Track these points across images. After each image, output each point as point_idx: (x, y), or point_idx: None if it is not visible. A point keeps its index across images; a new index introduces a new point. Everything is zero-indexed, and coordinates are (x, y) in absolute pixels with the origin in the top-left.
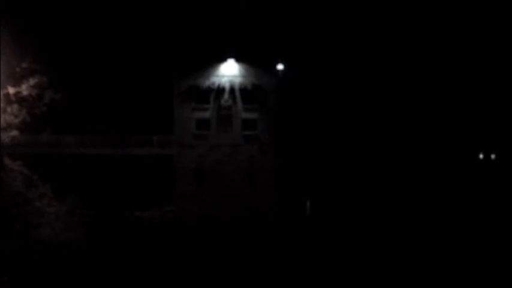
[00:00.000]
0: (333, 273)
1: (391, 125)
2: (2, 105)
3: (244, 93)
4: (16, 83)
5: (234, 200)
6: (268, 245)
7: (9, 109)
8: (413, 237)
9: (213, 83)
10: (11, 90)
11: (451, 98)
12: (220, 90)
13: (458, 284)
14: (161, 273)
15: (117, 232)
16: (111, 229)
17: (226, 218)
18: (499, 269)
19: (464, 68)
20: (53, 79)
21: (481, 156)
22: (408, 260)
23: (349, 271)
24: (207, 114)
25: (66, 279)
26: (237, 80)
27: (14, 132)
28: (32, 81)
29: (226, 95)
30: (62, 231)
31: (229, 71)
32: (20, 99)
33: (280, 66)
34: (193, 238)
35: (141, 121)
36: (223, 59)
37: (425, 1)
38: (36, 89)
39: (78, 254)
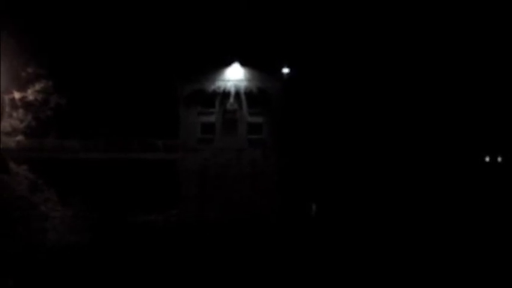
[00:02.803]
0: (337, 275)
1: (396, 127)
2: (7, 110)
3: (250, 97)
4: (21, 88)
5: (238, 203)
6: (272, 247)
7: (14, 114)
8: (419, 240)
9: (219, 87)
10: (17, 95)
11: (457, 100)
12: (225, 94)
13: (462, 284)
14: (165, 276)
15: (121, 236)
16: (115, 233)
17: (230, 221)
18: (502, 270)
19: (471, 69)
20: (58, 84)
21: (487, 158)
22: (414, 262)
23: (354, 272)
24: (212, 119)
25: (70, 282)
26: (242, 84)
27: (19, 137)
28: (37, 86)
29: (231, 99)
30: (66, 234)
31: (234, 75)
32: (25, 104)
33: (285, 70)
34: (197, 241)
35: (147, 125)
36: (228, 63)
37: (426, 2)
38: (41, 93)
39: (82, 258)
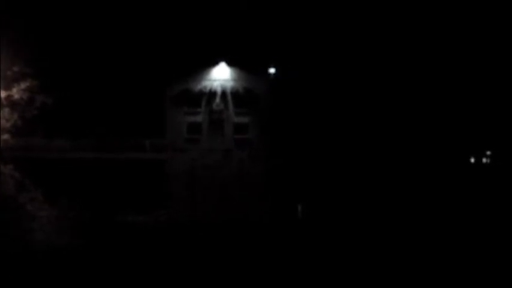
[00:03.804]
0: (324, 275)
1: (383, 128)
2: None
3: (236, 97)
4: (7, 87)
5: (227, 204)
6: (260, 247)
7: (0, 113)
8: (406, 240)
9: (205, 87)
10: (2, 93)
11: (443, 101)
12: (211, 94)
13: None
14: (155, 277)
15: (110, 236)
16: (104, 233)
17: (219, 222)
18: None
19: (455, 71)
20: (44, 83)
21: (472, 160)
22: (400, 263)
23: (341, 273)
24: (198, 118)
25: (57, 284)
26: (229, 84)
27: (5, 136)
28: (23, 84)
29: (217, 99)
30: (53, 235)
31: (220, 75)
32: (11, 103)
33: (271, 70)
34: (187, 241)
35: (134, 125)
36: (215, 63)
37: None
38: (27, 92)
39: (70, 259)
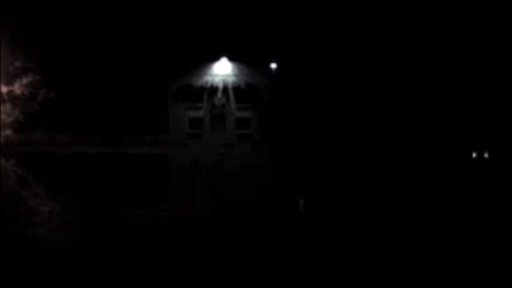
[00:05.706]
0: (326, 272)
1: (384, 123)
2: None
3: (238, 92)
4: (9, 82)
5: (229, 199)
6: (262, 243)
7: (2, 108)
8: (407, 235)
9: (206, 82)
10: (4, 89)
11: (444, 97)
12: (213, 89)
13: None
14: (156, 273)
15: (111, 231)
16: (105, 228)
17: (220, 217)
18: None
19: (457, 68)
20: (46, 78)
21: (474, 155)
22: (401, 258)
23: (342, 270)
24: (200, 113)
25: (59, 279)
26: (230, 79)
27: (7, 132)
28: (25, 79)
29: (219, 94)
30: (55, 230)
31: (222, 70)
32: (13, 98)
33: (273, 65)
34: (188, 237)
35: (135, 120)
36: (216, 58)
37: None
38: (29, 87)
39: (72, 254)
